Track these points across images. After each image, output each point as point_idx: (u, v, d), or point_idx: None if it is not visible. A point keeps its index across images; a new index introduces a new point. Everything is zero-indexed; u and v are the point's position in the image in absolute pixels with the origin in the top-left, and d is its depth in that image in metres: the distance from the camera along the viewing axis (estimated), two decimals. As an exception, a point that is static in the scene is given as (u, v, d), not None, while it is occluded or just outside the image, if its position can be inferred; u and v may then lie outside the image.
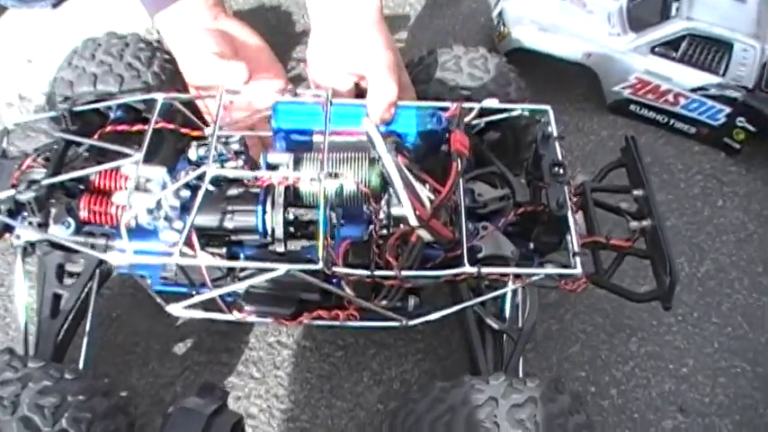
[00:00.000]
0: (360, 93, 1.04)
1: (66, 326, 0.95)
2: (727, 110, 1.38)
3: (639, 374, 1.16)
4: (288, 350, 1.14)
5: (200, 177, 0.87)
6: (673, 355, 1.19)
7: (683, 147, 1.46)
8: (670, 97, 1.41)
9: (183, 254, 0.87)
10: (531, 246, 0.98)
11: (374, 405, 1.10)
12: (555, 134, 1.01)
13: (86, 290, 0.97)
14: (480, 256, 0.93)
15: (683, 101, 1.40)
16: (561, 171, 0.97)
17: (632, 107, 1.46)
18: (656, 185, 1.33)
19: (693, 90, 1.38)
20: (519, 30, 1.42)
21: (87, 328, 0.96)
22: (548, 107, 1.03)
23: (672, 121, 1.45)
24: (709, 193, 1.40)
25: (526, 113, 1.04)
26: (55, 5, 1.49)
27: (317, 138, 0.96)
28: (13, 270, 0.98)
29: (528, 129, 1.09)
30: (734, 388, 1.16)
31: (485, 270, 0.90)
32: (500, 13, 1.47)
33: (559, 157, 0.99)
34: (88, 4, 1.51)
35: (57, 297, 0.96)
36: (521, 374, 0.93)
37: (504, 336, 0.95)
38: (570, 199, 0.96)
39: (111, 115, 1.06)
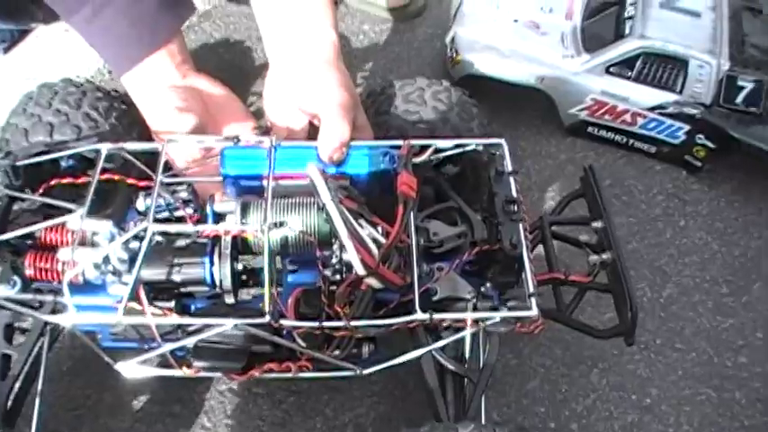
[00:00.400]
0: (315, 132, 1.02)
1: (16, 388, 0.93)
2: (686, 127, 1.38)
3: (601, 407, 1.15)
4: (239, 397, 1.13)
5: (146, 230, 0.85)
6: (635, 384, 1.18)
7: (643, 167, 1.45)
8: (628, 117, 1.40)
9: (129, 311, 0.85)
10: (488, 285, 0.97)
11: (328, 453, 1.08)
12: (509, 169, 1.00)
13: (36, 349, 0.94)
14: (436, 298, 0.91)
15: (641, 120, 1.39)
16: (515, 208, 0.95)
17: (590, 129, 1.45)
18: (617, 208, 1.34)
19: (651, 109, 1.38)
20: (472, 55, 1.42)
21: (39, 388, 0.94)
22: (501, 141, 1.01)
23: (631, 141, 1.44)
24: (671, 213, 1.39)
25: (481, 149, 1.02)
26: (6, 50, 1.47)
27: (266, 182, 0.95)
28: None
29: (489, 163, 1.06)
30: (699, 416, 1.15)
31: (437, 316, 0.88)
32: (452, 39, 1.46)
33: (514, 193, 0.97)
34: (39, 49, 1.50)
35: (6, 358, 0.94)
36: (483, 418, 0.92)
37: (465, 378, 0.94)
38: (526, 237, 0.94)
39: (63, 164, 1.04)
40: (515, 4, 1.46)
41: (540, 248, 1.03)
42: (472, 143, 1.02)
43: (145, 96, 1.07)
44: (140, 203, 0.95)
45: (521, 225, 0.94)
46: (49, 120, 1.06)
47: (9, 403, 0.92)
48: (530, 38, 1.42)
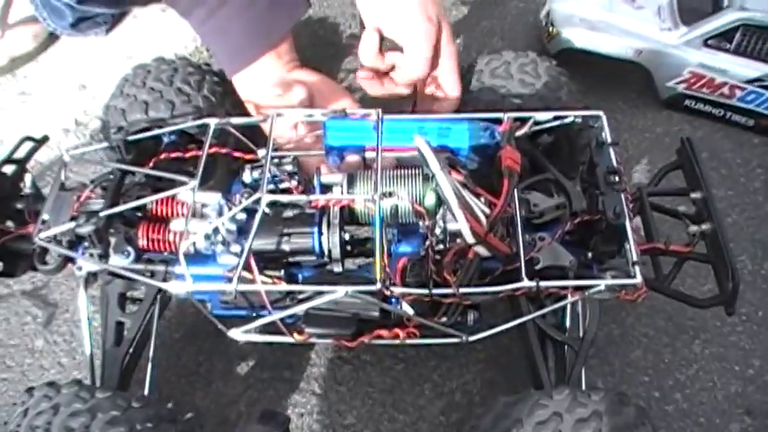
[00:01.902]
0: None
1: (129, 353, 0.97)
2: (785, 100, 1.35)
3: (704, 377, 1.15)
4: (349, 365, 1.15)
5: (257, 202, 0.88)
6: (738, 356, 1.17)
7: (741, 140, 1.43)
8: (725, 90, 1.38)
9: (241, 279, 0.87)
10: (590, 254, 0.97)
11: (437, 417, 1.10)
12: (608, 140, 1.00)
13: (148, 316, 0.98)
14: (538, 267, 0.92)
15: (739, 93, 1.38)
16: (617, 179, 0.95)
17: (687, 102, 1.43)
18: (715, 181, 1.32)
19: (750, 81, 1.36)
20: (568, 30, 1.41)
21: (151, 354, 0.98)
22: (600, 113, 1.02)
23: (729, 114, 1.42)
24: (771, 186, 1.37)
25: (579, 120, 1.03)
26: (108, 31, 1.51)
27: (369, 154, 0.96)
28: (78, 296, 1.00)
29: (582, 132, 1.07)
30: (803, 388, 1.14)
31: (543, 284, 0.89)
32: (548, 14, 1.46)
33: (614, 164, 0.97)
34: (138, 29, 1.53)
35: (120, 325, 0.98)
36: (583, 385, 0.92)
37: (566, 346, 0.95)
38: (628, 207, 0.94)
39: (165, 140, 1.08)
40: (610, -22, 1.45)
41: (637, 220, 1.02)
42: (571, 115, 1.02)
43: (253, 92, 1.10)
44: (247, 176, 0.97)
45: (623, 195, 0.94)
46: (144, 98, 1.09)
47: (123, 367, 0.96)
48: (626, 11, 1.41)
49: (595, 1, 1.43)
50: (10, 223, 1.00)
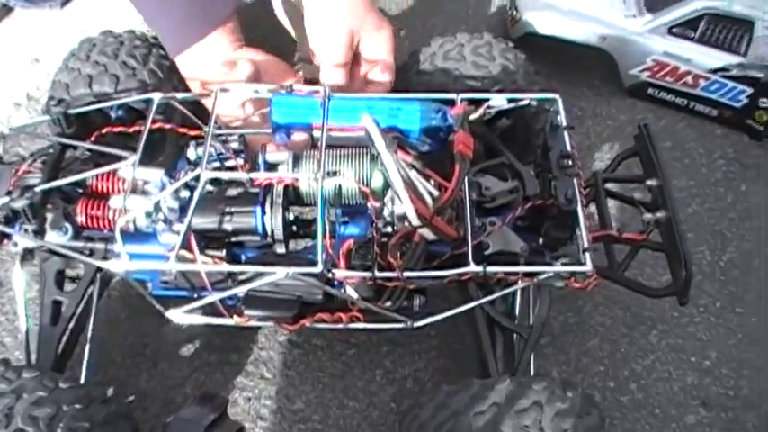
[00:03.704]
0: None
1: (67, 333, 0.94)
2: (749, 90, 1.34)
3: (660, 368, 1.13)
4: (299, 349, 1.13)
5: (197, 179, 0.85)
6: (695, 347, 1.16)
7: (704, 130, 1.41)
8: (689, 79, 1.36)
9: (180, 258, 0.85)
10: (541, 241, 0.95)
11: (387, 404, 1.08)
12: (564, 124, 0.98)
13: (87, 295, 0.95)
14: (488, 252, 0.90)
15: (702, 82, 1.36)
16: (570, 163, 0.93)
17: (651, 90, 1.41)
18: (677, 171, 1.31)
19: (713, 71, 1.34)
20: (532, 14, 1.39)
21: (89, 335, 0.95)
22: (556, 96, 1.00)
23: (692, 104, 1.40)
24: (732, 177, 1.35)
25: (535, 104, 1.00)
26: (63, 4, 1.48)
27: (316, 133, 0.94)
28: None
29: (538, 115, 1.04)
30: (759, 380, 1.12)
31: (491, 269, 0.87)
32: (513, -1, 1.43)
33: (568, 148, 0.95)
34: (94, 3, 1.50)
35: (57, 304, 0.95)
36: (532, 373, 0.90)
37: (515, 334, 0.93)
38: (580, 192, 0.92)
39: (113, 115, 1.04)
40: (575, -38, 1.43)
41: (592, 207, 1.01)
42: (526, 98, 0.99)
43: (197, 71, 1.08)
44: (191, 153, 0.95)
45: (575, 180, 0.92)
46: (88, 72, 1.05)
47: (60, 348, 0.93)
48: (591, -3, 1.39)
49: (560, -15, 1.40)
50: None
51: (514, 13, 1.42)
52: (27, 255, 0.95)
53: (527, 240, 0.92)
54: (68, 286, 0.98)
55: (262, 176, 0.88)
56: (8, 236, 0.93)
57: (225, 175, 0.89)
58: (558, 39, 1.38)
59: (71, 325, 0.95)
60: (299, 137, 0.95)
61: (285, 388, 1.10)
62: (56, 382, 0.83)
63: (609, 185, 1.03)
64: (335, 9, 1.03)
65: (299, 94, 0.94)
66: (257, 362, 1.12)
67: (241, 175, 0.88)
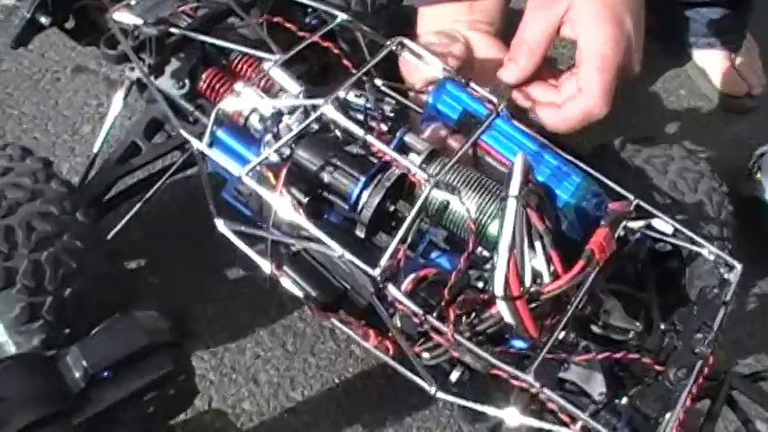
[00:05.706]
0: None
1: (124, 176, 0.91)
2: None
3: None
4: (337, 351, 1.05)
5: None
6: None
7: None
8: None
9: (261, 178, 0.76)
10: (625, 400, 0.79)
11: None
12: (728, 299, 0.80)
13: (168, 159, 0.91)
14: (560, 375, 0.76)
15: None
16: (705, 342, 0.76)
17: None
18: None
19: None
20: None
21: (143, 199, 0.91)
22: (738, 265, 0.82)
23: None
24: None
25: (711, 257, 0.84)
26: None
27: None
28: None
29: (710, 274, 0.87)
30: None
31: (548, 393, 0.71)
32: (762, 155, 1.26)
33: (715, 326, 0.78)
34: None
35: (135, 147, 0.91)
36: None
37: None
38: (696, 380, 0.75)
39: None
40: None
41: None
42: (705, 249, 0.83)
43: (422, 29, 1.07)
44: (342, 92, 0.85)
45: (699, 363, 0.76)
46: None
47: (108, 186, 0.89)
48: None
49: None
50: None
51: (756, 169, 1.24)
52: (138, 87, 0.89)
53: (611, 391, 0.76)
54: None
55: (375, 142, 0.77)
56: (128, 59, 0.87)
57: (340, 119, 0.78)
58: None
59: (137, 173, 0.91)
60: (437, 130, 0.85)
61: (296, 372, 1.01)
62: (76, 207, 0.79)
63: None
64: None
65: (473, 93, 0.84)
66: (288, 330, 1.04)
67: (356, 129, 0.78)
